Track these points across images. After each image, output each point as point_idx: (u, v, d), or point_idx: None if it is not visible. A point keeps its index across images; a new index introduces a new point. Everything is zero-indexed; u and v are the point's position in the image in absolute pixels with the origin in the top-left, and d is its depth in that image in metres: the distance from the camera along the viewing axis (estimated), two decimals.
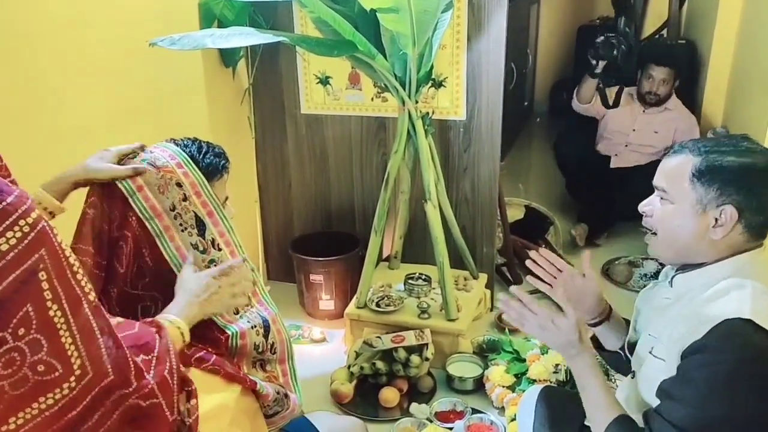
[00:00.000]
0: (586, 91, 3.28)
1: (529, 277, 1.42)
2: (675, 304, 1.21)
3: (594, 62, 3.12)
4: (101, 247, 1.22)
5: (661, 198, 1.20)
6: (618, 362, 1.46)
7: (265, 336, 1.31)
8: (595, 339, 1.49)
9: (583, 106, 3.35)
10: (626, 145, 3.31)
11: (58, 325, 0.78)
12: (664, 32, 4.04)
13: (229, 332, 1.25)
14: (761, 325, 1.03)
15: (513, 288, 1.32)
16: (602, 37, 3.10)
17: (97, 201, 1.24)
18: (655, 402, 1.17)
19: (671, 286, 1.24)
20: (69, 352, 0.80)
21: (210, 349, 1.23)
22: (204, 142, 1.35)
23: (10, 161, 0.83)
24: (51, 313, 0.77)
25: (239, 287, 1.27)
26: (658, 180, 1.21)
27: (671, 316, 1.20)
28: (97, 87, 1.79)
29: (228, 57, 2.36)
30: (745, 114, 2.94)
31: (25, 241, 0.73)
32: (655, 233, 1.23)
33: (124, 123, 1.86)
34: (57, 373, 0.79)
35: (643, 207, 1.25)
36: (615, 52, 3.06)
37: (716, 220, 1.12)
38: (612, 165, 3.34)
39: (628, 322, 1.43)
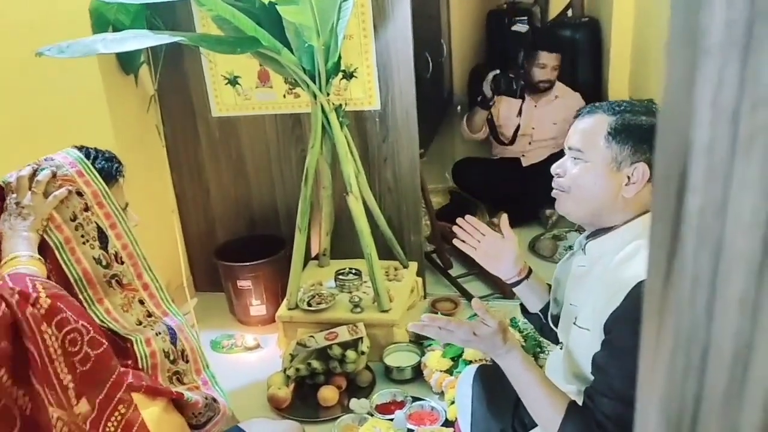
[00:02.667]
0: (478, 122, 3.23)
1: (455, 240, 1.48)
2: (591, 271, 1.23)
3: (489, 96, 3.07)
4: None
5: (575, 158, 1.21)
6: (544, 328, 1.49)
7: (173, 343, 1.26)
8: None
9: (473, 135, 3.30)
10: (530, 143, 3.31)
11: None
12: (569, 12, 4.17)
13: (133, 338, 1.20)
14: None
15: (424, 316, 1.33)
16: (498, 72, 3.04)
17: None
18: (588, 371, 1.19)
19: (585, 254, 1.26)
20: None
21: (126, 365, 1.18)
22: (92, 148, 1.28)
23: None
24: None
25: (39, 187, 1.21)
26: (571, 140, 1.22)
27: (589, 283, 1.22)
28: None
29: (127, 63, 2.25)
30: (649, 87, 3.06)
31: None
32: (566, 192, 1.24)
33: (17, 142, 1.74)
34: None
35: (555, 168, 1.27)
36: (515, 86, 3.06)
37: (629, 178, 1.15)
38: (524, 164, 3.32)
39: (551, 286, 1.45)
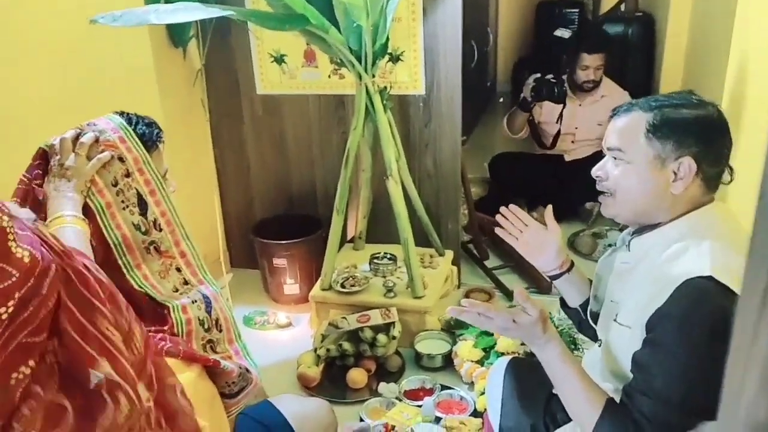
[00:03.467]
0: (518, 124, 3.15)
1: (497, 230, 1.46)
2: (634, 268, 1.19)
3: (529, 100, 2.99)
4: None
5: (615, 158, 1.18)
6: (582, 324, 1.46)
7: (208, 311, 1.27)
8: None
9: (514, 136, 3.23)
10: (573, 142, 3.23)
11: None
12: (623, 6, 4.06)
13: (170, 305, 1.21)
14: (721, 281, 1.01)
15: (464, 300, 1.30)
16: (538, 76, 2.97)
17: (42, 175, 1.21)
18: (626, 369, 1.16)
19: (629, 250, 1.22)
20: None
21: (162, 330, 1.19)
22: (132, 114, 1.29)
23: None
24: None
25: (82, 149, 1.22)
26: (610, 141, 1.19)
27: (632, 280, 1.18)
28: (34, 71, 1.69)
29: (177, 36, 2.27)
30: (704, 88, 2.96)
31: None
32: (611, 195, 1.21)
33: (67, 109, 1.76)
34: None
35: (595, 171, 1.24)
36: (555, 91, 2.99)
37: (675, 174, 1.11)
38: (567, 159, 3.24)
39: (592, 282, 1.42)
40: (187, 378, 1.18)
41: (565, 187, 3.07)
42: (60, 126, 1.31)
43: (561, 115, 3.09)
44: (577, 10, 4.75)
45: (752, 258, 0.22)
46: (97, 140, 1.24)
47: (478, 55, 4.30)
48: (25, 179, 1.25)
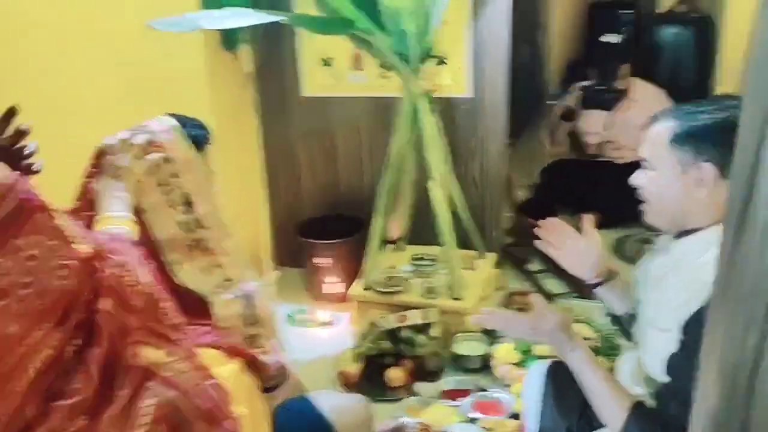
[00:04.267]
0: (561, 136, 3.11)
1: (536, 242, 1.48)
2: (673, 271, 1.19)
3: (574, 109, 2.93)
4: None
5: (646, 168, 1.22)
6: (627, 329, 1.45)
7: (249, 308, 1.33)
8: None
9: (555, 150, 3.18)
10: (616, 149, 3.15)
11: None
12: (681, 7, 3.95)
13: (213, 300, 1.27)
14: None
15: (484, 309, 1.35)
16: (586, 84, 2.91)
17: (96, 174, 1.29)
18: (660, 374, 1.16)
19: (668, 254, 1.23)
20: None
21: (205, 324, 1.25)
22: (182, 116, 1.36)
23: None
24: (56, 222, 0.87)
25: (134, 151, 1.29)
26: (641, 150, 1.23)
27: (670, 283, 1.18)
28: (93, 73, 1.79)
29: (229, 40, 2.34)
30: None
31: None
32: (647, 202, 1.24)
33: (123, 106, 1.86)
34: None
35: (632, 180, 1.27)
36: (606, 98, 2.92)
37: (698, 180, 1.12)
38: (616, 164, 3.17)
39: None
40: (229, 370, 1.24)
41: (615, 192, 3.01)
42: (115, 125, 1.39)
43: (608, 122, 3.03)
44: (631, 11, 4.65)
45: (729, 198, 0.23)
46: (148, 142, 1.30)
47: (529, 58, 4.26)
48: (86, 179, 1.33)
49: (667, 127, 1.16)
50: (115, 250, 0.99)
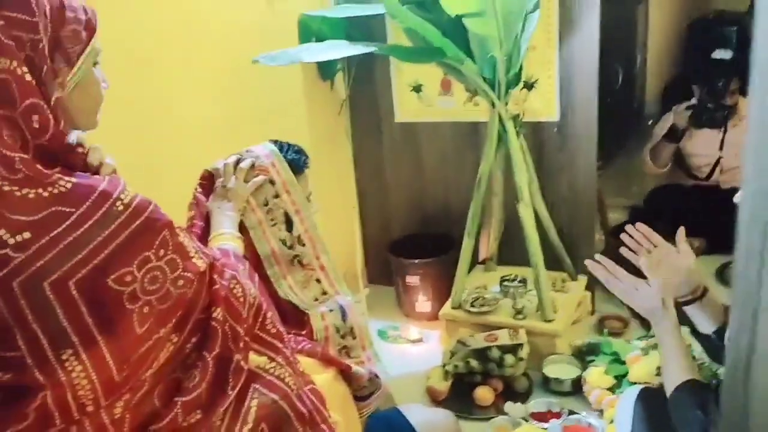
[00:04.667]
0: (665, 157, 3.00)
1: (622, 249, 1.50)
2: None
3: (683, 128, 2.82)
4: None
5: None
6: (715, 349, 1.42)
7: (343, 320, 1.40)
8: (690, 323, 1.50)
9: (656, 171, 3.08)
10: (721, 171, 3.03)
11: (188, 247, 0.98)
12: None
13: (310, 312, 1.36)
14: None
15: (598, 256, 1.39)
16: (695, 103, 2.80)
17: (205, 193, 1.42)
18: None
19: None
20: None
21: (302, 334, 1.34)
22: (284, 141, 1.47)
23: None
24: (179, 238, 0.96)
25: (241, 174, 1.40)
26: None
27: None
28: (205, 99, 1.96)
29: (326, 70, 2.49)
30: None
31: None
32: None
33: (231, 133, 2.02)
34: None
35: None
36: (716, 116, 2.77)
37: None
38: (723, 187, 3.00)
39: (728, 308, 1.39)
40: (323, 379, 1.32)
41: (717, 217, 2.89)
42: (221, 150, 1.53)
43: (723, 142, 2.91)
44: (735, 29, 4.46)
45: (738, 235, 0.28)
46: (253, 165, 1.43)
47: (624, 77, 4.18)
48: (196, 193, 1.47)
49: None
50: (227, 264, 1.10)
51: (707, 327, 1.41)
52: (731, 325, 0.27)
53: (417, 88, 2.56)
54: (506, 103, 2.12)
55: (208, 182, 1.47)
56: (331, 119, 2.62)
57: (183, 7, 1.84)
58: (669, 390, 1.33)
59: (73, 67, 0.94)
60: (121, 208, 0.88)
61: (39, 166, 0.84)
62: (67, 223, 0.83)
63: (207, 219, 1.40)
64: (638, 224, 1.47)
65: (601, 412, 1.99)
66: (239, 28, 2.07)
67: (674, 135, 2.90)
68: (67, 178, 0.86)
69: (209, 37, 1.95)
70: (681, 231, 1.44)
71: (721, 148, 2.91)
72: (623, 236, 1.49)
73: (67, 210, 0.84)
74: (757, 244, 0.25)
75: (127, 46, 1.65)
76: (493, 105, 2.12)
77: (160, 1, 1.76)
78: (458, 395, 2.12)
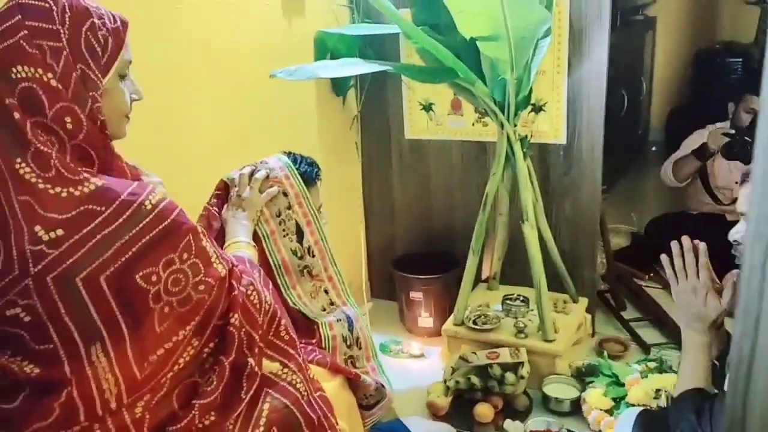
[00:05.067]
0: (687, 172, 3.00)
1: (664, 257, 1.49)
2: None
3: (714, 152, 2.81)
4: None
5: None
6: (715, 375, 1.45)
7: (350, 330, 1.44)
8: None
9: (674, 183, 3.07)
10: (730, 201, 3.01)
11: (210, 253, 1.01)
12: None
13: (319, 321, 1.39)
14: None
15: (686, 240, 1.44)
16: (732, 133, 2.78)
17: (220, 203, 1.46)
18: None
19: None
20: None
21: (311, 343, 1.37)
22: (297, 153, 1.52)
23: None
24: (202, 243, 0.99)
25: (256, 184, 1.44)
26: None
27: None
28: (223, 113, 2.01)
29: (339, 86, 2.54)
30: None
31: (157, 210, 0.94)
32: None
33: (246, 144, 2.06)
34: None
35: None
36: (749, 151, 2.78)
37: None
38: (729, 219, 2.97)
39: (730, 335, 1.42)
40: (332, 387, 1.35)
41: (719, 248, 2.91)
42: (236, 161, 1.57)
43: (745, 176, 2.93)
44: (740, 60, 4.53)
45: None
46: (267, 177, 1.47)
47: (629, 104, 4.24)
48: (208, 205, 1.51)
49: None
50: (245, 271, 1.14)
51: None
52: (735, 332, 0.30)
53: (427, 107, 2.61)
54: (515, 125, 2.16)
55: (224, 192, 1.51)
56: (342, 134, 2.67)
57: (203, 22, 1.89)
58: (678, 392, 1.39)
59: (106, 75, 0.97)
60: (149, 208, 0.92)
61: (72, 165, 0.88)
62: (98, 221, 0.87)
63: (216, 228, 1.44)
64: (696, 241, 1.46)
65: None
66: (258, 43, 2.12)
67: (703, 154, 2.89)
68: (97, 178, 0.90)
69: (228, 51, 2.00)
70: (731, 275, 1.45)
71: (740, 183, 2.91)
72: (673, 244, 1.46)
73: (98, 209, 0.88)
74: (759, 260, 0.28)
75: (148, 61, 1.70)
76: (502, 126, 2.16)
77: (180, 17, 1.80)
78: (458, 411, 2.15)
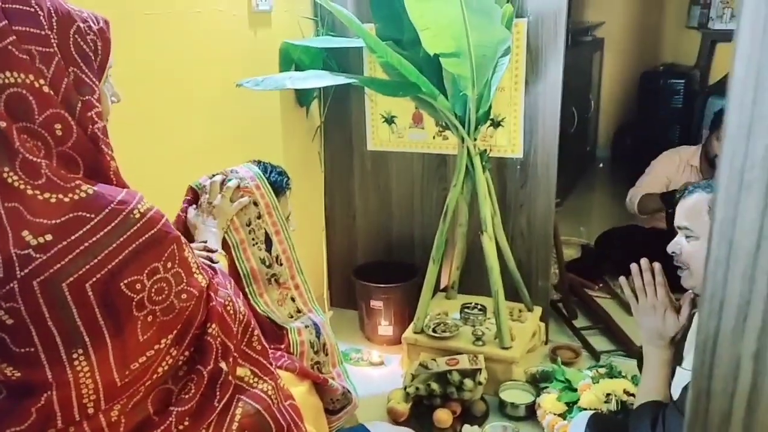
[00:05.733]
0: (650, 210, 3.12)
1: (621, 279, 1.55)
2: None
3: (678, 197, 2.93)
4: None
5: (687, 236, 1.33)
6: None
7: (317, 336, 1.47)
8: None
9: (637, 215, 3.19)
10: None
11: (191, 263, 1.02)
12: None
13: (288, 327, 1.42)
14: None
15: (656, 265, 1.47)
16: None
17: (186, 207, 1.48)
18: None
19: None
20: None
21: (280, 348, 1.40)
22: (267, 162, 1.54)
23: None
24: (185, 253, 1.00)
25: (227, 193, 1.46)
26: (679, 220, 1.35)
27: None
28: (190, 122, 2.02)
29: (303, 97, 2.58)
30: None
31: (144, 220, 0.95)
32: (687, 268, 1.35)
33: (214, 152, 2.08)
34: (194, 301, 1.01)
35: (671, 248, 1.39)
36: None
37: None
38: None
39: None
40: (299, 391, 1.38)
41: (668, 262, 3.02)
42: (204, 169, 1.58)
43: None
44: (683, 81, 4.77)
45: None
46: (238, 186, 1.49)
47: (579, 121, 4.41)
48: (180, 213, 1.52)
49: (702, 198, 1.31)
50: (220, 283, 1.16)
51: None
52: (701, 315, 0.36)
53: (389, 120, 2.67)
54: (475, 139, 2.24)
55: (192, 199, 1.52)
56: (305, 144, 2.70)
57: (171, 31, 1.90)
58: (636, 405, 1.46)
59: (101, 78, 0.97)
60: (137, 216, 0.93)
61: (63, 172, 0.88)
62: (87, 227, 0.88)
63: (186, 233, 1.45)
64: (656, 264, 1.50)
65: None
66: (225, 53, 2.14)
67: (670, 201, 2.89)
68: (88, 186, 0.91)
69: (195, 60, 2.02)
70: (688, 295, 1.49)
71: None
72: (633, 267, 1.50)
73: (88, 215, 0.89)
74: (724, 254, 0.34)
75: (115, 68, 1.71)
76: (462, 140, 2.24)
77: (149, 26, 1.81)
78: (418, 417, 2.19)
